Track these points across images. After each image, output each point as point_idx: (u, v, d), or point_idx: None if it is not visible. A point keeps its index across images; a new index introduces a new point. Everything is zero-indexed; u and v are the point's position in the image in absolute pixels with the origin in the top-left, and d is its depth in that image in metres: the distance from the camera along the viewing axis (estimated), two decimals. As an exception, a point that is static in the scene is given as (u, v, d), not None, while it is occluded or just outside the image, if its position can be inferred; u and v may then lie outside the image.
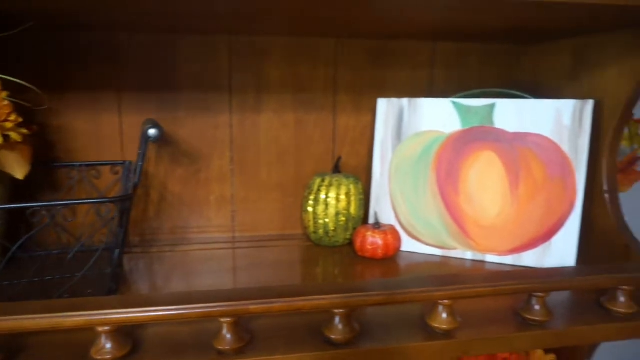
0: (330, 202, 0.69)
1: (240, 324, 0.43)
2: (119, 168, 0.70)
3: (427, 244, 0.70)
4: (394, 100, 0.71)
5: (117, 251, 0.54)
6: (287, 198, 0.78)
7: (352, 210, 0.70)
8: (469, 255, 0.68)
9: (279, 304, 0.42)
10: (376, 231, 0.66)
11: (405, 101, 0.70)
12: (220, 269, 0.65)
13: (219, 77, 0.72)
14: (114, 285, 0.55)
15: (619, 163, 0.81)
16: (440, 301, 0.46)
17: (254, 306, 0.41)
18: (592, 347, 0.70)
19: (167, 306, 0.40)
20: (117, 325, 0.40)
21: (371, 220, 0.72)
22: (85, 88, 0.68)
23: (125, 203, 0.51)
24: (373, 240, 0.65)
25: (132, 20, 0.59)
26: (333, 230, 0.70)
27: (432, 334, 0.47)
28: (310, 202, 0.70)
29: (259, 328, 0.46)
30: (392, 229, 0.68)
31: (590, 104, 0.62)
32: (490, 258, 0.67)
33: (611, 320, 0.50)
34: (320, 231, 0.70)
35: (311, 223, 0.71)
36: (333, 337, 0.44)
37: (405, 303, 0.44)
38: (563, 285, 0.48)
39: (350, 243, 0.71)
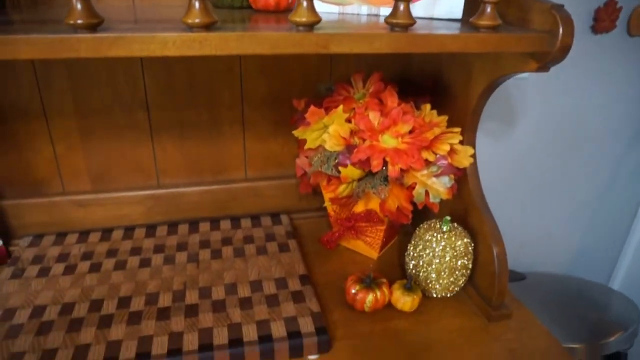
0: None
1: None
2: None
3: (323, 1, 0.69)
4: None
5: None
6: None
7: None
8: (364, 10, 0.68)
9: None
10: (269, -20, 0.64)
11: None
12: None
13: None
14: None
15: None
16: (299, -7, 0.46)
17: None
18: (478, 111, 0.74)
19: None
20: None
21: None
22: None
23: None
24: (265, -11, 0.64)
25: None
26: (229, -14, 0.68)
27: (293, 28, 0.48)
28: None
29: None
30: (287, -20, 0.66)
31: None
32: (384, 11, 0.67)
33: (476, 32, 0.52)
34: (218, -12, 0.68)
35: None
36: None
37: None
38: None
39: (250, 6, 0.69)
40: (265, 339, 0.62)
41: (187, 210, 0.91)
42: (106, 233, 0.85)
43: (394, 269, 0.84)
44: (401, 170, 0.65)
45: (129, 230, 0.86)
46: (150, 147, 0.87)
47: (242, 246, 0.82)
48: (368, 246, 0.84)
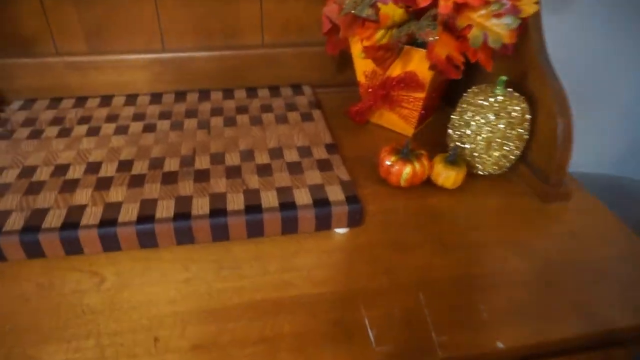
0: None
1: None
2: None
3: None
4: None
5: None
6: None
7: None
8: None
9: None
10: None
11: None
12: None
13: None
14: None
15: None
16: None
17: None
18: None
19: None
20: None
21: None
22: None
23: None
24: None
25: None
26: None
27: None
28: None
29: None
30: None
31: None
32: None
33: None
34: None
35: None
36: None
37: None
38: None
39: None
40: (287, 206, 0.53)
41: (198, 80, 0.80)
42: (106, 99, 0.75)
43: (430, 148, 0.73)
44: (455, 4, 0.52)
45: (131, 97, 0.76)
46: (152, 2, 0.75)
47: (260, 115, 0.72)
48: (403, 120, 0.73)
